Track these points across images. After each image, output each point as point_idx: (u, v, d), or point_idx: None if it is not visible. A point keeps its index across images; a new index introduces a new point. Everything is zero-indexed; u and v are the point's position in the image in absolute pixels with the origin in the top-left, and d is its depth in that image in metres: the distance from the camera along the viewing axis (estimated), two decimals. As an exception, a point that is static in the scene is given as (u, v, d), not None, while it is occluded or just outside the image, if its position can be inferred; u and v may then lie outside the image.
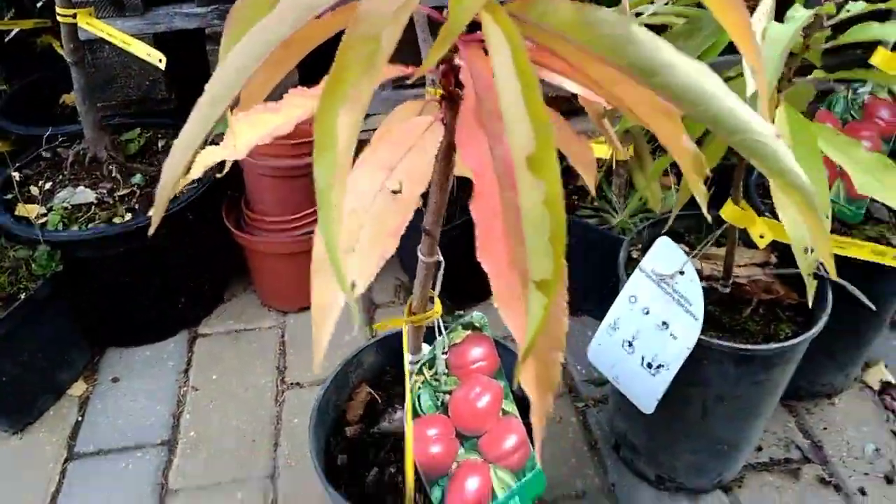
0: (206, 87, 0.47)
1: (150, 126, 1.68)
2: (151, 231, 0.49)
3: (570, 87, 0.57)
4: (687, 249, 1.19)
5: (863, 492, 1.29)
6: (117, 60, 1.55)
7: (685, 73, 0.43)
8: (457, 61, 0.51)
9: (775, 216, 0.92)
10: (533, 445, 0.86)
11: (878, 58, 1.10)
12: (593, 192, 0.76)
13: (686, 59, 0.43)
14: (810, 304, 0.87)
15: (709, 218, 0.57)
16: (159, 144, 1.65)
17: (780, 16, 0.72)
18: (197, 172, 0.61)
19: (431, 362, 0.80)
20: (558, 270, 0.38)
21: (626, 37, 0.43)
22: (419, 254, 0.70)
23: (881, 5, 0.78)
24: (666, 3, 0.84)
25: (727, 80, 0.74)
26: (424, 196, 0.61)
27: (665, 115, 0.51)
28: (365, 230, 0.52)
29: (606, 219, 1.51)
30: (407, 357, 0.79)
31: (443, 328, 0.79)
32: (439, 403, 0.80)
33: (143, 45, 1.40)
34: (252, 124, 0.60)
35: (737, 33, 0.45)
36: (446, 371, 0.81)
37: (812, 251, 0.75)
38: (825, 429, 1.40)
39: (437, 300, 0.76)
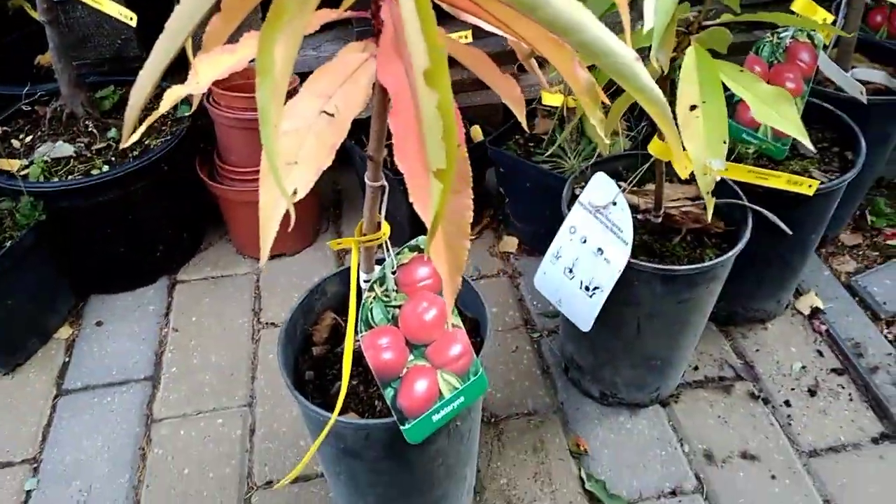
0: (167, 24, 0.56)
1: (124, 83, 1.75)
2: (123, 144, 0.57)
3: (485, 26, 0.67)
4: (623, 184, 1.30)
5: (787, 403, 1.43)
6: (90, 20, 1.61)
7: (561, 7, 0.53)
8: (380, 2, 0.60)
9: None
10: (477, 354, 0.98)
11: (798, 4, 1.21)
12: (524, 126, 0.86)
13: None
14: (709, 220, 0.98)
15: (603, 137, 0.67)
16: (132, 99, 1.71)
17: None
18: (165, 106, 0.70)
19: (382, 280, 0.90)
20: (451, 161, 0.48)
21: (512, -22, 0.52)
22: (366, 179, 0.80)
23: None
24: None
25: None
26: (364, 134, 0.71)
27: (557, 46, 0.61)
28: (305, 147, 0.61)
29: (560, 164, 1.62)
30: (358, 276, 0.89)
31: (390, 249, 0.89)
32: (390, 317, 0.91)
33: (115, 5, 1.46)
34: (212, 64, 0.69)
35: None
36: (395, 288, 0.91)
37: (711, 172, 0.86)
38: (757, 350, 1.53)
39: (384, 223, 0.86)
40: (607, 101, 0.72)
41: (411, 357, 0.92)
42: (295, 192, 0.60)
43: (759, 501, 1.27)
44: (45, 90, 1.70)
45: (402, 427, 0.90)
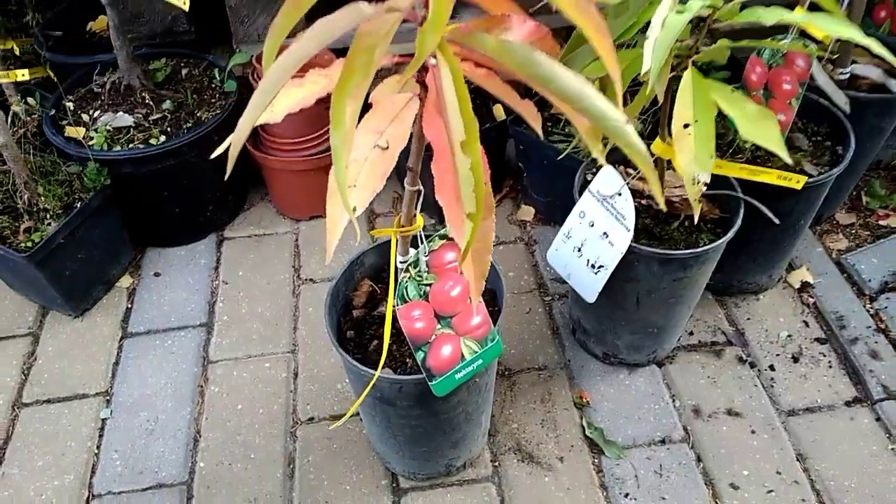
0: (260, 83, 0.71)
1: (174, 55, 1.89)
2: (214, 154, 0.73)
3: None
4: (631, 171, 1.44)
5: (772, 368, 1.60)
6: (144, -4, 1.74)
7: (567, 81, 0.67)
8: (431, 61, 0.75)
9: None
10: (494, 324, 1.15)
11: (799, 12, 1.31)
12: (540, 135, 1.00)
13: (569, 72, 0.67)
14: (696, 220, 1.13)
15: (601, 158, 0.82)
16: (182, 73, 1.86)
17: None
18: (249, 129, 0.85)
19: (416, 263, 1.07)
20: (480, 207, 0.64)
21: (531, 58, 0.67)
22: (405, 184, 0.95)
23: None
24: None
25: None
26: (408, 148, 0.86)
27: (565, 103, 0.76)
28: (362, 173, 0.77)
29: (573, 143, 1.75)
30: (396, 259, 1.06)
31: (424, 238, 1.06)
32: (422, 293, 1.08)
33: (171, -11, 1.59)
34: (285, 95, 0.84)
35: (603, 53, 0.69)
36: (427, 269, 1.08)
37: (698, 182, 1.00)
38: (748, 319, 1.69)
39: (419, 217, 1.03)
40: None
41: (439, 326, 1.10)
42: (355, 209, 0.77)
43: (738, 452, 1.45)
44: (102, 61, 1.84)
45: (430, 383, 1.09)
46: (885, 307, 1.67)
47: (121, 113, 1.73)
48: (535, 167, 1.84)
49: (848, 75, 1.70)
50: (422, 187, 0.96)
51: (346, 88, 0.67)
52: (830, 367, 1.59)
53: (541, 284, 1.80)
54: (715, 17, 1.02)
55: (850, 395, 1.54)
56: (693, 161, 1.00)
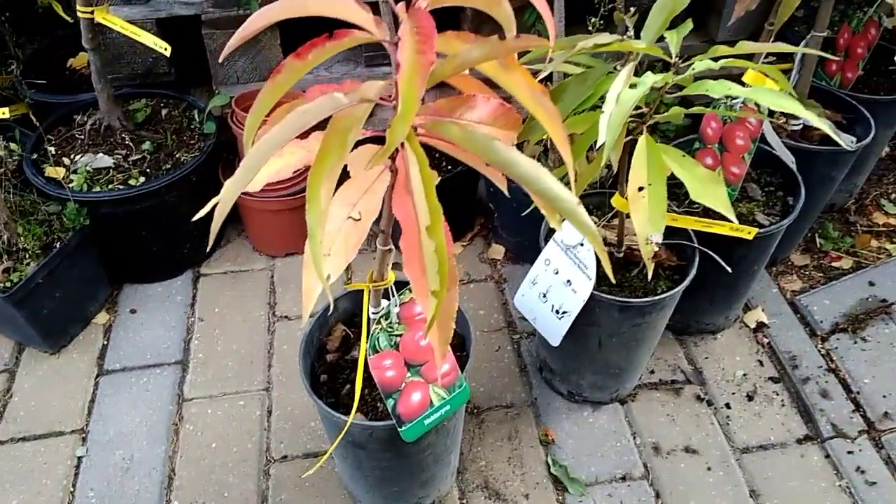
0: (242, 162, 0.76)
1: (154, 96, 1.94)
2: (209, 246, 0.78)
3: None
4: (595, 219, 1.51)
5: (728, 406, 1.67)
6: (125, 40, 1.78)
7: (524, 166, 0.74)
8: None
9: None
10: (462, 370, 1.20)
11: (749, 76, 1.40)
12: (506, 193, 1.07)
13: (525, 157, 0.74)
14: (649, 278, 1.20)
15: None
16: (162, 113, 1.91)
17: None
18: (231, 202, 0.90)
19: (387, 314, 1.13)
20: (443, 286, 0.70)
21: (490, 146, 0.74)
22: (377, 244, 1.01)
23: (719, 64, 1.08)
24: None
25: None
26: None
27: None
28: (336, 244, 0.83)
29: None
30: (368, 311, 1.12)
31: (395, 291, 1.12)
32: (392, 343, 1.14)
33: (150, 36, 1.65)
34: (267, 167, 0.90)
35: (555, 136, 0.76)
36: (398, 321, 1.14)
37: (651, 242, 1.07)
38: (706, 358, 1.77)
39: (390, 272, 1.08)
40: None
41: (409, 374, 1.15)
42: (328, 277, 0.82)
43: (695, 489, 1.52)
44: (82, 101, 1.88)
45: (399, 429, 1.14)
46: (836, 347, 1.76)
47: (101, 154, 1.77)
48: (504, 209, 1.91)
49: (801, 126, 1.80)
50: (393, 247, 1.02)
51: (322, 170, 0.73)
52: (783, 405, 1.67)
53: (510, 322, 1.86)
54: (668, 89, 1.10)
55: (801, 433, 1.62)
56: (647, 222, 1.07)
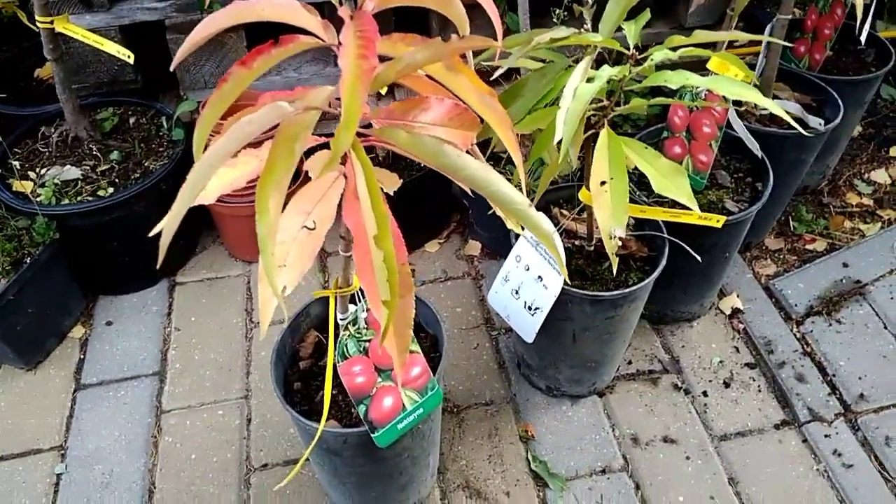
0: (188, 176, 0.75)
1: (121, 104, 1.92)
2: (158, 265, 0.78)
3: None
4: (566, 213, 1.51)
5: (705, 394, 1.68)
6: (89, 49, 1.76)
7: (475, 170, 0.74)
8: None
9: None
10: (433, 373, 1.20)
11: (713, 63, 1.40)
12: (469, 193, 1.06)
13: (475, 162, 0.74)
14: (614, 273, 1.20)
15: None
16: (130, 122, 1.89)
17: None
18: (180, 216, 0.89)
19: (355, 320, 1.12)
20: (394, 294, 0.69)
21: (439, 150, 0.73)
22: (340, 250, 1.01)
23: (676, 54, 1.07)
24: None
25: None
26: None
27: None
28: (291, 254, 0.82)
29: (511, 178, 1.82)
30: (335, 317, 1.11)
31: (361, 297, 1.11)
32: (361, 349, 1.13)
33: (113, 45, 1.63)
34: (217, 176, 0.89)
35: (504, 139, 0.75)
36: (366, 326, 1.13)
37: (614, 237, 1.07)
38: (683, 346, 1.78)
39: (355, 277, 1.08)
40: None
41: (379, 379, 1.15)
42: (284, 289, 0.81)
43: (674, 479, 1.52)
44: (48, 112, 1.86)
45: (373, 435, 1.14)
46: (811, 331, 1.77)
47: (68, 166, 1.75)
48: (478, 205, 1.91)
49: (768, 111, 1.81)
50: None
51: (270, 181, 0.72)
52: (760, 391, 1.68)
53: (487, 319, 1.86)
54: (632, 79, 1.09)
55: (778, 418, 1.62)
56: (610, 217, 1.07)
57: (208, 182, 0.85)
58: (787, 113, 1.05)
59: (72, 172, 1.74)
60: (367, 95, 0.69)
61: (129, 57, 1.65)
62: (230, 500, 1.50)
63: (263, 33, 0.92)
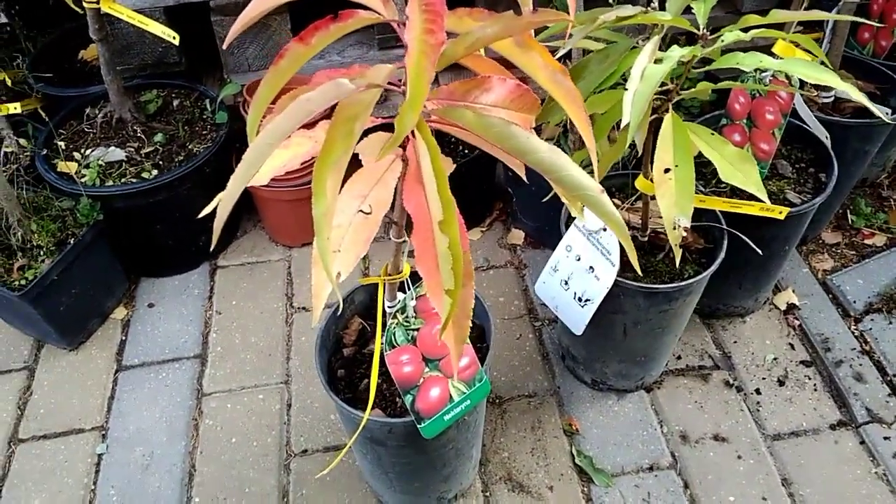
0: (245, 156, 0.72)
1: (165, 86, 1.91)
2: (212, 247, 0.75)
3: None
4: (618, 202, 1.46)
5: (758, 392, 1.62)
6: (134, 30, 1.75)
7: (544, 153, 0.69)
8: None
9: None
10: (482, 363, 1.17)
11: (779, 47, 1.33)
12: (524, 179, 1.02)
13: (544, 144, 0.69)
14: (677, 265, 1.15)
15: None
16: (174, 104, 1.88)
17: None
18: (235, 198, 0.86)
19: (403, 308, 1.09)
20: (458, 284, 0.66)
21: (507, 132, 0.69)
22: (391, 236, 0.97)
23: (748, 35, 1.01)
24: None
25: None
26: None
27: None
28: (346, 238, 0.79)
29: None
30: (383, 304, 1.08)
31: (411, 284, 1.08)
32: (409, 338, 1.10)
33: (158, 25, 1.61)
34: (271, 157, 0.86)
35: (576, 119, 0.71)
36: (414, 314, 1.10)
37: (678, 227, 1.02)
38: (735, 342, 1.72)
39: (405, 264, 1.04)
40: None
41: (427, 369, 1.11)
42: (339, 275, 0.78)
43: (725, 478, 1.47)
44: (93, 93, 1.86)
45: (419, 426, 1.11)
46: (870, 328, 1.69)
47: (112, 147, 1.74)
48: (523, 193, 1.86)
49: (832, 99, 1.73)
50: (407, 239, 0.98)
51: (327, 162, 0.69)
52: (815, 390, 1.61)
53: (531, 309, 1.82)
54: (695, 63, 1.04)
55: (834, 418, 1.56)
56: (674, 206, 1.02)
57: (264, 162, 0.82)
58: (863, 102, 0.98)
59: (116, 154, 1.73)
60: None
61: (174, 38, 1.64)
62: (270, 484, 1.49)
63: (308, 17, 0.88)
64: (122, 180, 1.70)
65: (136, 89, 1.88)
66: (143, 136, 1.77)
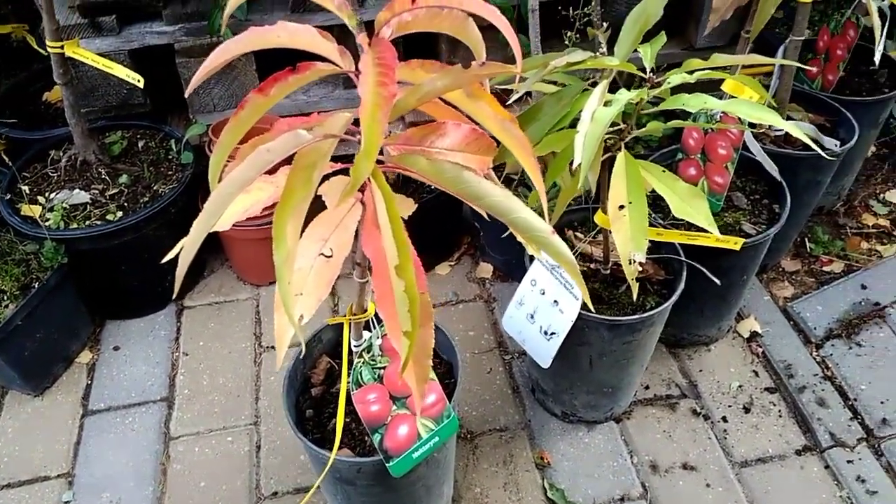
0: (206, 205, 0.74)
1: (130, 127, 1.91)
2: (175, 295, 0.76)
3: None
4: (580, 236, 1.49)
5: (725, 419, 1.64)
6: (98, 73, 1.75)
7: (495, 198, 0.72)
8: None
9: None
10: (449, 400, 1.17)
11: (728, 85, 1.39)
12: (486, 217, 1.04)
13: (497, 189, 0.72)
14: (634, 298, 1.18)
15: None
16: (139, 145, 1.88)
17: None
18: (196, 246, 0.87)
19: (369, 347, 1.10)
20: (415, 325, 0.67)
21: (460, 178, 0.71)
22: (355, 277, 0.99)
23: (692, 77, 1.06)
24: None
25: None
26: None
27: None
28: (308, 282, 0.80)
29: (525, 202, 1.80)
30: (349, 344, 1.09)
31: (376, 323, 1.09)
32: (376, 376, 1.11)
33: (123, 69, 1.62)
34: (233, 203, 0.87)
35: (525, 164, 0.73)
36: (380, 353, 1.11)
37: (634, 262, 1.05)
38: (701, 371, 1.74)
39: (370, 303, 1.05)
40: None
41: (394, 407, 1.12)
42: (301, 318, 0.79)
43: (694, 506, 1.49)
44: (57, 136, 1.86)
45: (387, 464, 1.11)
46: (831, 354, 1.74)
47: (77, 190, 1.74)
48: (489, 227, 1.88)
49: (783, 132, 1.79)
50: (371, 279, 0.99)
51: (287, 208, 0.70)
52: (780, 416, 1.64)
53: (500, 343, 1.83)
54: (647, 102, 1.08)
55: (799, 443, 1.59)
56: (629, 241, 1.05)
57: (224, 210, 0.83)
58: (806, 135, 1.03)
59: (80, 196, 1.73)
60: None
61: (139, 81, 1.65)
62: (240, 530, 1.47)
63: (273, 56, 0.91)
64: (87, 223, 1.69)
65: (101, 131, 1.88)
66: (107, 177, 1.77)
